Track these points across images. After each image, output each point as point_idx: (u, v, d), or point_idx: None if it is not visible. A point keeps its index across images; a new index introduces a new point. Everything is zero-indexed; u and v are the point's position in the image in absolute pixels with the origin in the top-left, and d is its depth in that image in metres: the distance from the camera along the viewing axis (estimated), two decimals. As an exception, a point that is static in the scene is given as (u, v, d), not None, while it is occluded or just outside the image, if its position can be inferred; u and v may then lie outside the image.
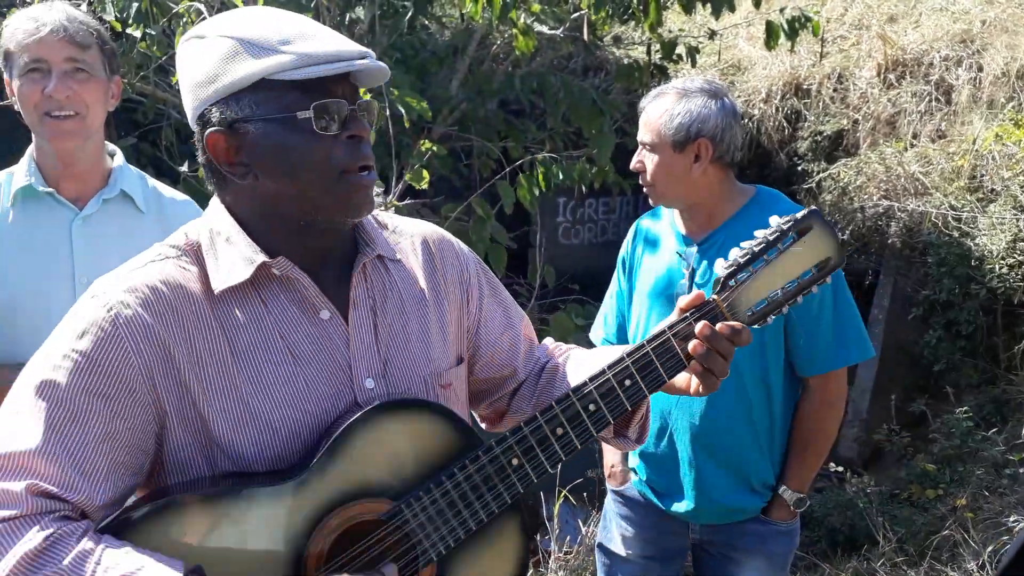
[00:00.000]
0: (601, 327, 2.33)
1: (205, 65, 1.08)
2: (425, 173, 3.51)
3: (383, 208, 3.28)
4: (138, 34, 3.07)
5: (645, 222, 2.25)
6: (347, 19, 3.89)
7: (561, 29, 4.45)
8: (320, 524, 1.08)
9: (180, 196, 1.98)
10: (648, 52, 4.77)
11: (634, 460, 2.22)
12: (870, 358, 2.13)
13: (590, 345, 2.45)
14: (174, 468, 1.09)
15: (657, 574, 2.23)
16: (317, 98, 1.06)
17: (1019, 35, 4.80)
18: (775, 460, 2.09)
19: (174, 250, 1.13)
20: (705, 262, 2.04)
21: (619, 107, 4.87)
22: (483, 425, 1.47)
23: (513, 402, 1.42)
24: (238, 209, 1.13)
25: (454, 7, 5.35)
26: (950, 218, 4.29)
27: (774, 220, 1.26)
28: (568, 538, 3.55)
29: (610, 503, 2.31)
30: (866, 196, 4.61)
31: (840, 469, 4.34)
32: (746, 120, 5.20)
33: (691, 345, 1.19)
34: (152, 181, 1.96)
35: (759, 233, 1.25)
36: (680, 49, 4.42)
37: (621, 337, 2.26)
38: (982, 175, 4.37)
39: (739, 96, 5.32)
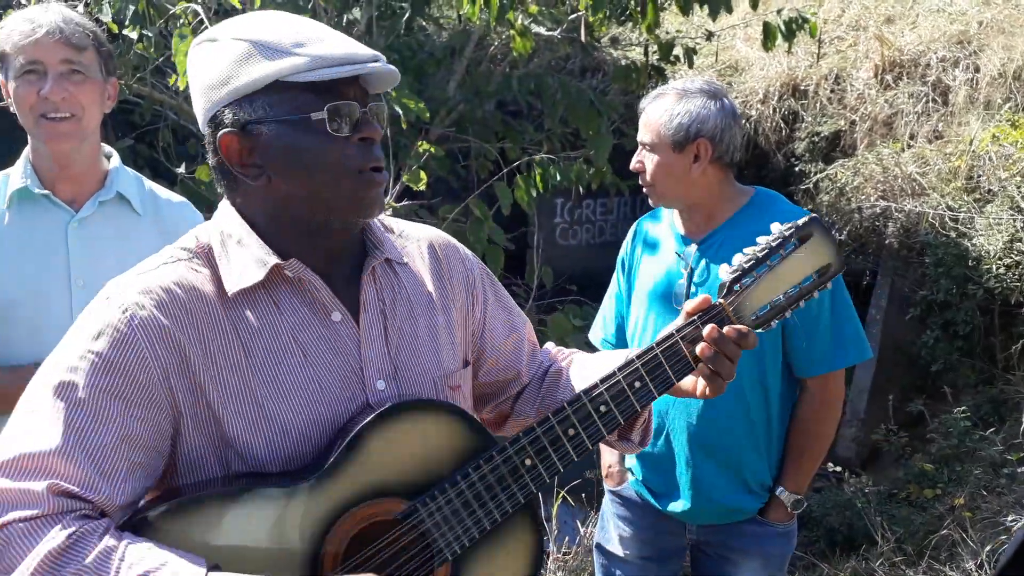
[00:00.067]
0: (600, 327, 2.33)
1: (218, 67, 1.09)
2: (422, 174, 3.51)
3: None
4: (135, 35, 3.07)
5: (645, 223, 2.26)
6: (344, 20, 3.89)
7: (559, 30, 4.46)
8: (336, 524, 1.09)
9: (176, 198, 1.98)
10: (645, 53, 4.78)
11: (631, 460, 2.22)
12: (868, 359, 2.13)
13: (588, 346, 2.46)
14: (187, 469, 1.10)
15: (654, 574, 2.24)
16: (330, 100, 1.08)
17: (1016, 36, 4.80)
18: (772, 461, 2.09)
19: (186, 252, 1.14)
20: (704, 262, 2.04)
21: (617, 108, 4.87)
22: None
23: (516, 405, 1.43)
24: (249, 211, 1.14)
25: (451, 8, 5.35)
26: (947, 219, 4.30)
27: (776, 227, 1.29)
28: (567, 539, 3.55)
29: (607, 503, 2.31)
30: (863, 197, 4.61)
31: (838, 469, 4.34)
32: (743, 121, 5.20)
33: (699, 348, 1.21)
34: (148, 183, 1.96)
35: (762, 239, 1.28)
36: (677, 50, 4.43)
37: (620, 338, 2.27)
38: (979, 176, 4.37)
39: (736, 97, 5.32)
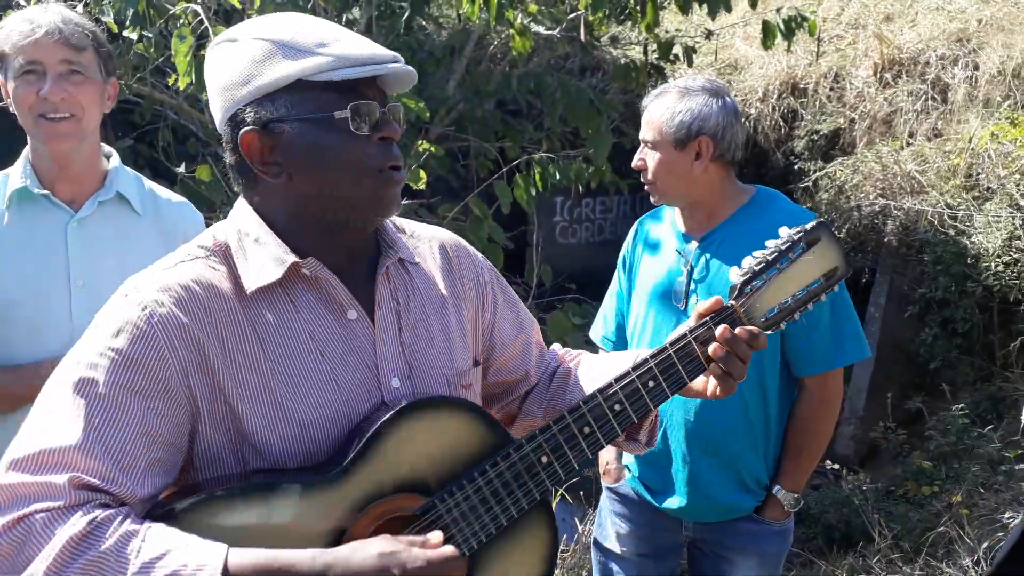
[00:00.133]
0: (601, 326, 2.34)
1: (239, 66, 1.10)
2: (422, 173, 3.52)
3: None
4: (134, 36, 3.08)
5: (646, 222, 2.27)
6: (344, 20, 3.90)
7: (558, 29, 4.46)
8: (356, 520, 1.10)
9: (176, 198, 1.99)
10: (645, 52, 4.78)
11: (628, 457, 2.23)
12: (866, 358, 2.14)
13: (587, 344, 2.47)
14: (204, 465, 1.11)
15: (652, 571, 2.24)
16: (352, 99, 1.09)
17: (1015, 34, 4.80)
18: (769, 459, 2.09)
19: (203, 250, 1.15)
20: (704, 259, 2.05)
21: (616, 107, 4.88)
22: None
23: (524, 406, 1.45)
24: (267, 209, 1.15)
25: (451, 8, 5.36)
26: (946, 216, 4.30)
27: (784, 231, 1.32)
28: (564, 536, 3.56)
29: (605, 500, 2.32)
30: (862, 195, 4.62)
31: (836, 466, 4.35)
32: (743, 119, 5.21)
33: (711, 348, 1.24)
34: (148, 183, 1.96)
35: (771, 243, 1.31)
36: (677, 49, 4.43)
37: (620, 336, 2.28)
38: (978, 173, 4.38)
39: (736, 96, 5.33)
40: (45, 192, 1.78)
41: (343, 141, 1.10)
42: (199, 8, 3.04)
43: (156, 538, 0.97)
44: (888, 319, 4.58)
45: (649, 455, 2.15)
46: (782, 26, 4.02)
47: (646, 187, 2.10)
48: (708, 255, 2.05)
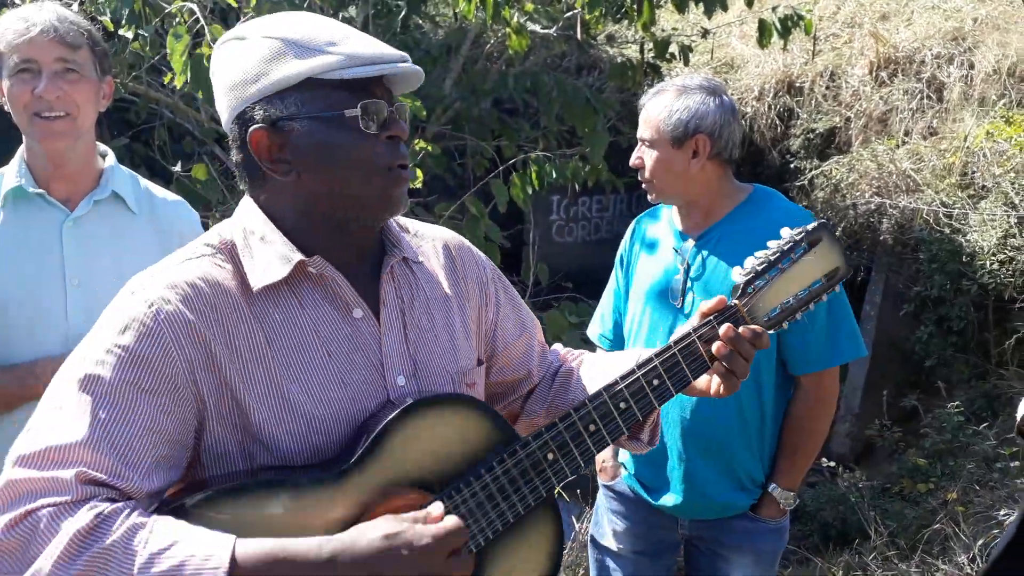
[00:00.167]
0: (598, 324, 2.35)
1: (248, 64, 1.10)
2: (419, 172, 3.52)
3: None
4: (130, 35, 3.08)
5: (644, 220, 2.28)
6: (340, 18, 3.90)
7: (554, 28, 4.46)
8: (363, 516, 1.10)
9: (172, 196, 1.98)
10: (641, 51, 4.79)
11: (624, 454, 2.23)
12: (862, 357, 2.15)
13: (583, 343, 2.47)
14: (211, 462, 1.11)
15: (648, 569, 2.25)
16: (362, 98, 1.10)
17: (1010, 33, 4.82)
18: (765, 457, 2.10)
19: (209, 248, 1.15)
20: (700, 257, 2.06)
21: (612, 106, 4.89)
22: None
23: (527, 405, 1.46)
24: (274, 207, 1.15)
25: (447, 6, 5.36)
26: (941, 215, 4.31)
27: (786, 231, 1.33)
28: (562, 534, 3.55)
29: (601, 498, 2.32)
30: (858, 193, 4.62)
31: (832, 464, 4.36)
32: (740, 118, 5.21)
33: (715, 347, 1.25)
34: (144, 182, 1.96)
35: (772, 243, 1.32)
36: (673, 48, 4.44)
37: (617, 334, 2.28)
38: (973, 172, 4.38)
39: (732, 94, 5.33)
40: (40, 191, 1.77)
41: (353, 139, 1.10)
42: (195, 7, 3.03)
43: (163, 530, 0.97)
44: (884, 317, 4.59)
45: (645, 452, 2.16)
46: (778, 25, 4.02)
47: (643, 185, 2.11)
48: (705, 253, 2.05)
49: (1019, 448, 3.73)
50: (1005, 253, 4.04)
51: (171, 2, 3.16)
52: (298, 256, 1.12)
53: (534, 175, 3.89)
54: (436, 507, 1.08)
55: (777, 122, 5.26)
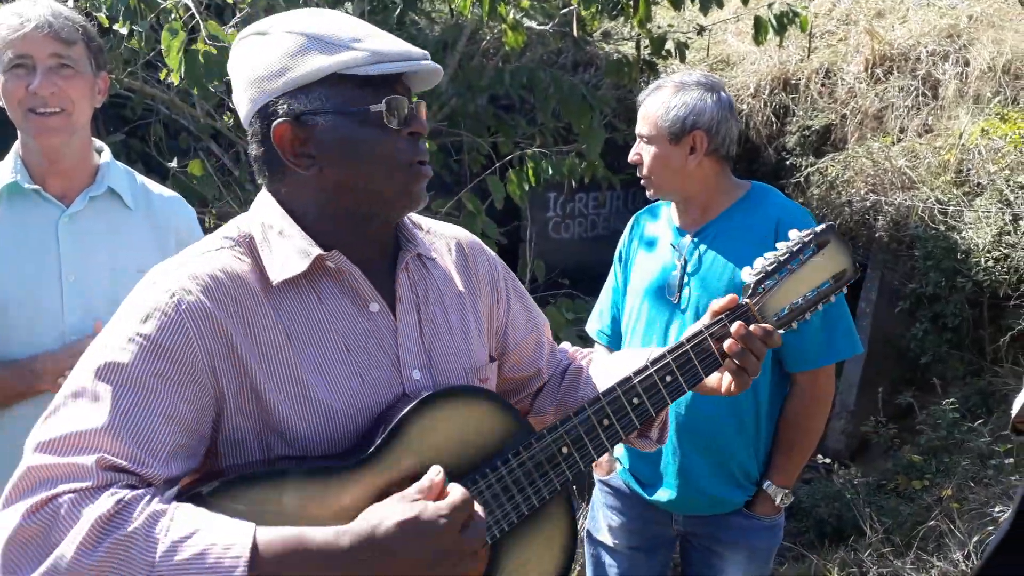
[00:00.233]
0: (596, 320, 2.36)
1: (271, 59, 1.12)
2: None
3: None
4: (125, 30, 3.06)
5: (643, 217, 2.29)
6: (336, 15, 3.89)
7: (550, 24, 4.45)
8: None
9: (168, 192, 1.98)
10: (637, 48, 4.78)
11: (619, 449, 2.24)
12: (858, 354, 2.16)
13: (580, 339, 2.47)
14: (229, 452, 1.12)
15: (643, 564, 2.25)
16: (385, 94, 1.12)
17: (1005, 30, 4.82)
18: (760, 454, 2.10)
19: (228, 241, 1.16)
20: (697, 253, 2.07)
21: (609, 102, 4.88)
22: None
23: (536, 402, 1.48)
24: (294, 201, 1.17)
25: (443, 2, 5.35)
26: (936, 212, 4.31)
27: (794, 233, 1.36)
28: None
29: (597, 493, 2.33)
30: (854, 190, 4.63)
31: (828, 461, 4.36)
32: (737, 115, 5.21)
33: (727, 344, 1.28)
34: (140, 177, 1.96)
35: (782, 244, 1.35)
36: (669, 45, 4.43)
37: (615, 331, 2.29)
38: (968, 169, 4.39)
39: (728, 91, 5.33)
40: (36, 187, 1.77)
41: (377, 135, 1.12)
42: (190, 2, 3.02)
43: (184, 517, 0.97)
44: (879, 314, 4.60)
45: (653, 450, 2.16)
46: (774, 22, 4.02)
47: (642, 181, 2.12)
48: (702, 249, 2.06)
49: (1014, 445, 3.74)
50: (1000, 250, 4.05)
51: (166, -2, 3.15)
52: (316, 250, 1.13)
53: (530, 172, 3.88)
54: (434, 470, 1.08)
55: (773, 119, 5.25)
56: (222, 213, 3.88)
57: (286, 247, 1.14)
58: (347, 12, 3.83)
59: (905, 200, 4.43)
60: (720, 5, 4.03)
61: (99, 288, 1.78)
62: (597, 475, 2.32)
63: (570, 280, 5.01)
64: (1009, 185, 4.14)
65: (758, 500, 2.10)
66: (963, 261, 4.15)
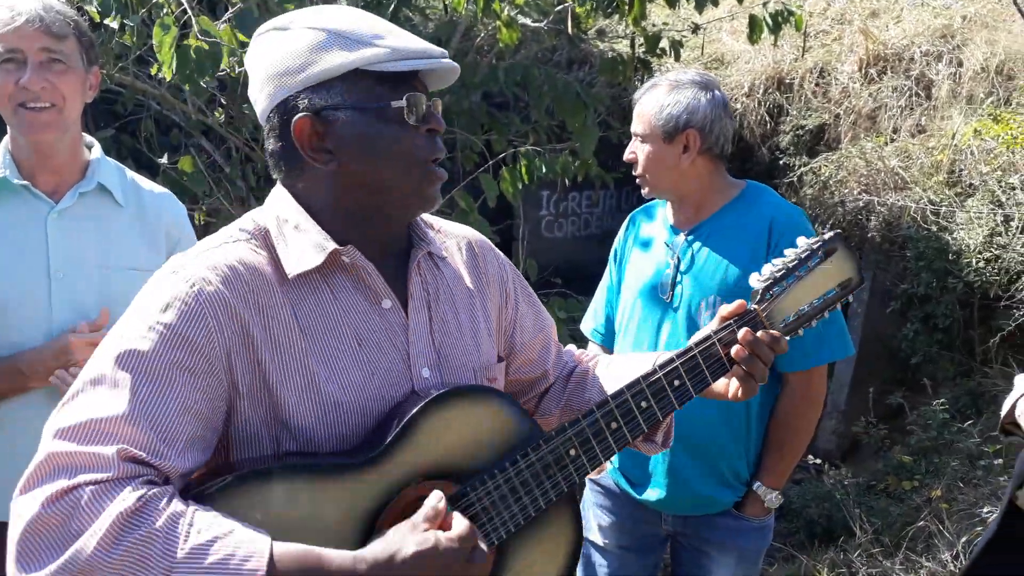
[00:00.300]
0: (591, 318, 2.37)
1: (292, 54, 1.12)
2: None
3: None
4: (116, 25, 3.04)
5: (639, 216, 2.30)
6: (329, 10, 3.87)
7: (545, 22, 4.44)
8: (389, 503, 1.12)
9: (159, 189, 1.97)
10: (632, 46, 4.77)
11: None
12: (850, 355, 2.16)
13: (572, 338, 2.47)
14: (240, 446, 1.12)
15: (633, 564, 2.25)
16: (405, 91, 1.13)
17: (998, 31, 4.84)
18: (750, 455, 2.10)
19: (244, 233, 1.17)
20: (690, 252, 2.08)
21: (603, 100, 4.87)
22: None
23: (541, 404, 1.49)
24: (310, 197, 1.17)
25: (438, -1, 5.33)
26: (929, 212, 4.33)
27: (802, 241, 1.37)
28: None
29: (588, 492, 2.33)
30: (847, 190, 4.64)
31: (818, 461, 4.38)
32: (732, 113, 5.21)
33: (734, 350, 1.28)
34: (131, 174, 1.94)
35: (790, 251, 1.36)
36: (664, 43, 4.43)
37: (609, 329, 2.30)
38: (961, 170, 4.40)
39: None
40: (25, 183, 1.75)
41: (396, 131, 1.13)
42: (182, -3, 3.00)
43: (203, 522, 0.97)
44: (871, 314, 4.61)
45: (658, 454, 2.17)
46: (768, 20, 4.02)
47: (637, 180, 2.12)
48: (695, 248, 2.07)
49: (1003, 446, 3.75)
50: (991, 251, 4.06)
51: (158, -8, 3.13)
52: (332, 245, 1.14)
53: (524, 170, 3.87)
54: (437, 497, 1.08)
55: (767, 118, 5.26)
56: (212, 209, 3.86)
57: (302, 241, 1.14)
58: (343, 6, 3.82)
59: (898, 200, 4.44)
60: (715, 3, 4.03)
61: (88, 285, 1.77)
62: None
63: (563, 279, 5.00)
64: (1001, 186, 4.16)
65: (748, 501, 2.10)
66: (954, 262, 4.17)
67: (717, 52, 5.75)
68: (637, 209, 2.32)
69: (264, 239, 1.16)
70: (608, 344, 2.30)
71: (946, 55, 4.85)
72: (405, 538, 1.04)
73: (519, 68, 4.41)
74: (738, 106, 5.33)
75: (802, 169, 4.87)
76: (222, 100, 3.83)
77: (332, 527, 1.08)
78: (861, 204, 4.57)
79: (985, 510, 3.49)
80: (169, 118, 4.23)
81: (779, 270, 1.34)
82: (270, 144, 1.18)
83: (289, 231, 1.15)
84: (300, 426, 1.12)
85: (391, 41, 1.12)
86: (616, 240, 2.33)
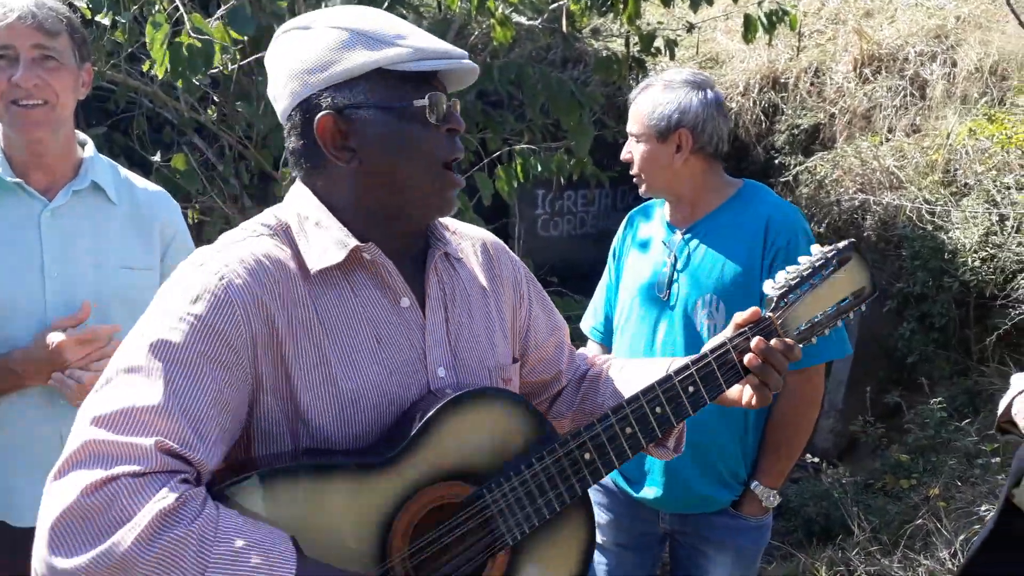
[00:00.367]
0: (591, 316, 2.39)
1: (315, 53, 1.14)
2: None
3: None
4: (107, 22, 3.01)
5: (638, 215, 2.32)
6: (322, 7, 3.85)
7: (539, 20, 4.43)
8: (407, 503, 1.12)
9: (152, 187, 1.95)
10: (627, 45, 4.77)
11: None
12: (847, 355, 2.16)
13: (573, 335, 2.45)
14: (262, 440, 1.13)
15: (631, 562, 2.25)
16: (427, 91, 1.15)
17: (992, 31, 4.85)
18: (748, 454, 2.10)
19: (266, 229, 1.18)
20: (687, 251, 2.08)
21: (598, 99, 4.85)
22: None
23: (554, 406, 1.50)
24: (331, 194, 1.18)
25: (432, -3, 5.30)
26: (924, 212, 4.33)
27: (816, 249, 1.38)
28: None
29: (587, 492, 2.32)
30: (842, 190, 4.64)
31: (816, 460, 4.38)
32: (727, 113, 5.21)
33: (747, 359, 1.28)
34: (124, 172, 1.93)
35: (804, 259, 1.36)
36: (659, 42, 4.42)
37: (608, 327, 2.31)
38: (956, 169, 4.41)
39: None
40: (18, 180, 1.73)
41: (418, 130, 1.14)
42: (175, -6, 2.97)
43: (232, 529, 0.97)
44: (867, 314, 4.56)
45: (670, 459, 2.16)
46: (763, 20, 4.02)
47: (634, 180, 2.13)
48: (692, 246, 2.08)
49: (1000, 444, 3.76)
50: (987, 250, 4.07)
51: (150, -11, 3.10)
52: (353, 241, 1.15)
53: (519, 168, 3.86)
54: None
55: (762, 118, 5.26)
56: (206, 208, 3.83)
57: (323, 237, 1.15)
58: (337, 3, 3.79)
59: (893, 200, 4.45)
60: (710, 3, 4.02)
61: (82, 283, 1.75)
62: (587, 473, 2.31)
63: (558, 278, 4.99)
64: (996, 185, 4.17)
65: (745, 500, 2.09)
66: (950, 261, 4.17)
67: (712, 51, 5.75)
68: (635, 209, 2.33)
69: (286, 234, 1.17)
70: (607, 342, 2.30)
71: (940, 55, 4.86)
72: None
73: (513, 67, 4.39)
74: (733, 105, 5.33)
75: (797, 168, 4.87)
76: (215, 97, 3.80)
77: (350, 526, 1.09)
78: (857, 203, 4.57)
79: (983, 508, 3.50)
80: (161, 116, 4.21)
81: (794, 278, 1.34)
82: (291, 142, 1.19)
83: (310, 227, 1.16)
84: (316, 422, 1.12)
85: (413, 41, 1.13)
86: (615, 239, 2.34)
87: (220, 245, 1.15)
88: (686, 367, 1.28)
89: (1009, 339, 4.05)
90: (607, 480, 2.23)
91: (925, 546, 3.49)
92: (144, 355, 1.03)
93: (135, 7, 3.11)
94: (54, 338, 1.64)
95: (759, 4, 4.07)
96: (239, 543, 0.96)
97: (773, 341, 1.28)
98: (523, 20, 4.38)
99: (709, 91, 2.06)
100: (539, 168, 3.90)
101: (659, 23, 5.24)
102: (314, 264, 1.14)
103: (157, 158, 3.62)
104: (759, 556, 2.18)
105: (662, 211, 2.20)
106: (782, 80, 5.29)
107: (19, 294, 1.70)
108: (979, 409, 4.07)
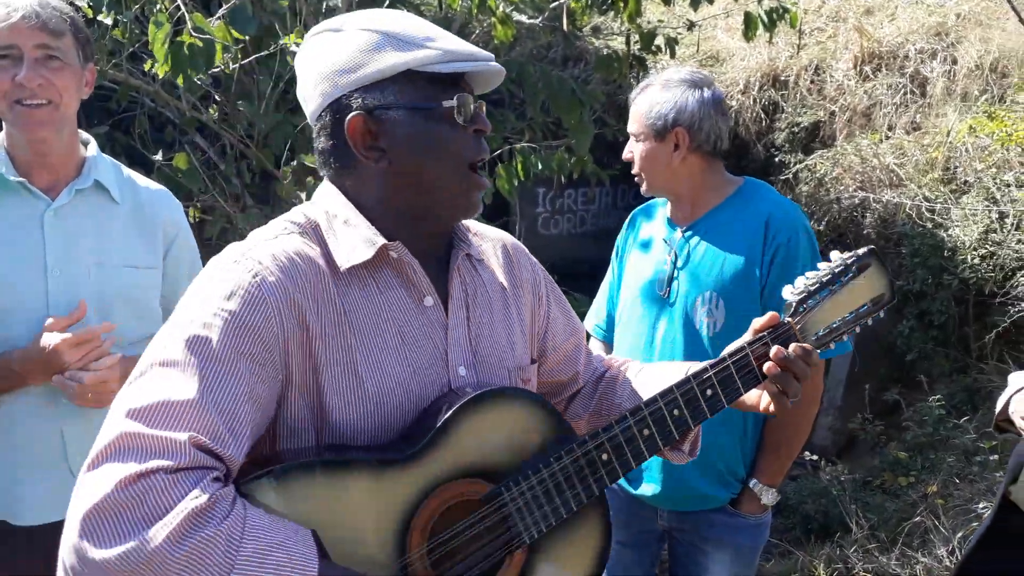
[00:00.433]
0: (594, 314, 2.40)
1: (346, 54, 1.16)
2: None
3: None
4: (109, 21, 3.02)
5: (640, 213, 2.33)
6: (325, 6, 3.85)
7: (540, 18, 4.43)
8: (426, 499, 1.13)
9: (155, 186, 1.96)
10: (627, 43, 4.77)
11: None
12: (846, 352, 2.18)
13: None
14: (287, 435, 1.14)
15: (630, 559, 2.26)
16: (455, 92, 1.17)
17: (992, 28, 4.85)
18: (747, 451, 2.11)
19: (295, 226, 1.19)
20: (687, 249, 2.09)
21: (598, 98, 4.86)
22: None
23: (571, 407, 1.51)
24: (360, 194, 1.20)
25: (433, -5, 5.31)
26: (924, 209, 4.34)
27: (836, 255, 1.38)
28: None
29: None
30: (842, 187, 4.65)
31: (815, 457, 4.38)
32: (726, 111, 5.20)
33: (766, 367, 1.29)
34: (127, 171, 1.93)
35: (823, 265, 1.37)
36: (659, 40, 4.42)
37: (611, 325, 2.32)
38: (956, 167, 4.42)
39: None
40: (21, 180, 1.74)
41: (447, 131, 1.16)
42: (177, -7, 2.98)
43: (258, 527, 0.99)
44: (866, 312, 4.61)
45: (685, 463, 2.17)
46: (764, 18, 4.02)
47: (636, 179, 2.14)
48: (692, 244, 2.09)
49: (998, 442, 3.77)
50: (986, 248, 4.08)
51: (152, -12, 3.11)
52: (381, 240, 1.16)
53: (519, 167, 3.87)
54: None
55: (762, 115, 5.27)
56: (207, 206, 3.84)
57: (352, 236, 1.17)
58: (336, 4, 3.80)
59: (893, 197, 4.45)
60: (710, 1, 4.02)
61: (85, 282, 1.76)
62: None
63: (559, 276, 4.98)
64: (996, 183, 4.17)
65: (744, 498, 2.10)
66: (949, 259, 4.18)
67: (712, 49, 5.75)
68: (638, 208, 2.35)
69: (315, 232, 1.18)
70: (609, 340, 2.31)
71: (940, 52, 4.87)
72: None
73: (514, 65, 4.40)
74: (734, 103, 5.33)
75: (798, 166, 4.88)
76: (216, 97, 3.81)
77: (370, 522, 1.10)
78: (856, 201, 4.58)
79: (981, 506, 3.51)
80: (163, 115, 4.21)
81: (813, 283, 1.34)
82: (320, 142, 1.21)
83: (339, 226, 1.18)
84: (340, 419, 1.13)
85: (442, 43, 1.15)
86: (618, 238, 2.35)
87: (251, 243, 1.16)
88: (704, 370, 1.29)
89: (1008, 336, 4.06)
90: (607, 477, 2.24)
91: (923, 543, 3.50)
92: (179, 349, 1.04)
93: (136, 6, 3.12)
94: (49, 340, 1.65)
95: (759, 2, 4.07)
96: (264, 543, 0.97)
97: (792, 346, 1.28)
98: (524, 18, 4.38)
99: (707, 90, 2.06)
100: (540, 166, 3.91)
101: (660, 21, 5.24)
102: (343, 262, 1.15)
103: (159, 157, 3.63)
104: (758, 554, 2.19)
105: (664, 210, 2.21)
106: (782, 78, 5.30)
107: (22, 293, 1.71)
108: (978, 407, 4.08)
